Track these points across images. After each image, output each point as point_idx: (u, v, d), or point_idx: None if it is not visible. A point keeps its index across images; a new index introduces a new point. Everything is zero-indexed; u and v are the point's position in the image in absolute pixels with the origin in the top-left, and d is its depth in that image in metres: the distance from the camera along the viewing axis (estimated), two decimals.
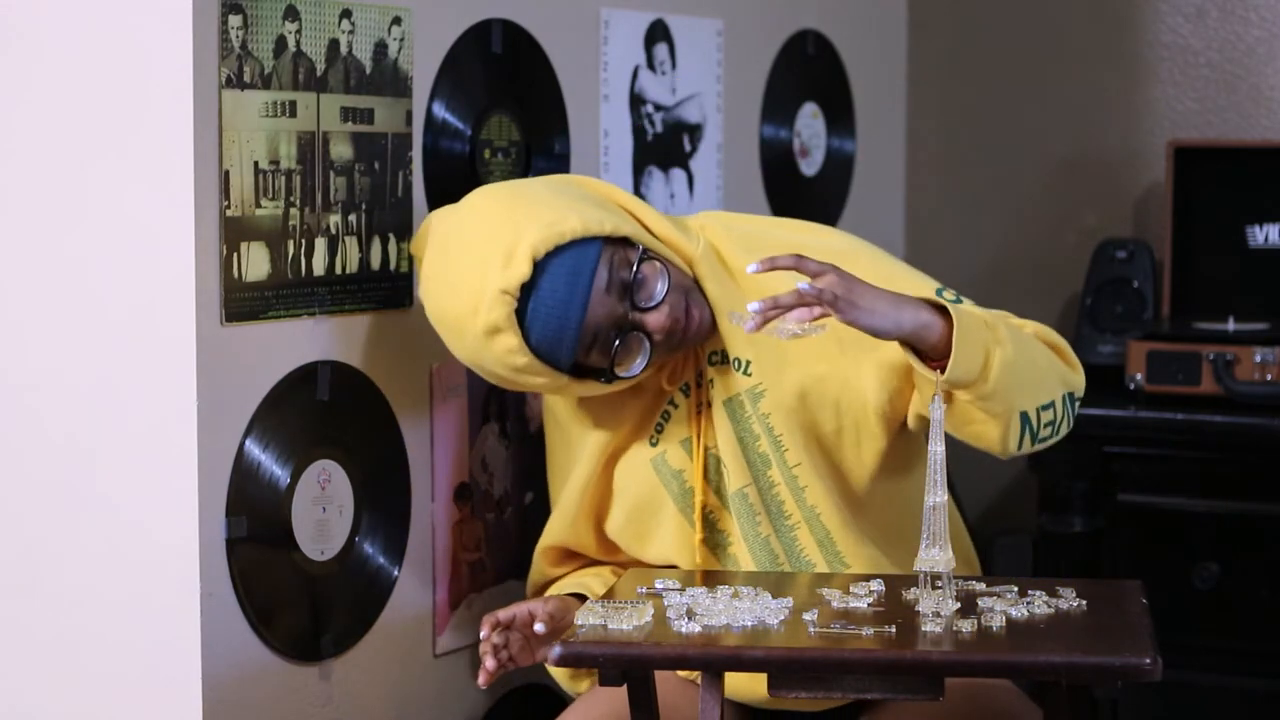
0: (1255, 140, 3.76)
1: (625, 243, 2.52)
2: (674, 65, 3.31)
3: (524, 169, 2.99)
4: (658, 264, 2.52)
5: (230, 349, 2.47)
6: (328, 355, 2.63)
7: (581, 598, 2.64)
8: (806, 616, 2.28)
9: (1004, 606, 2.31)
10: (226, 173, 2.45)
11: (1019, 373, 2.40)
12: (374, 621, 2.72)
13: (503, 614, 2.55)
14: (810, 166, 3.73)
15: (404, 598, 2.77)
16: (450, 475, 2.85)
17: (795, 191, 3.68)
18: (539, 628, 2.54)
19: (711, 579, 2.49)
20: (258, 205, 2.50)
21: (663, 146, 3.28)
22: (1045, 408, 2.45)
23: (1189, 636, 3.32)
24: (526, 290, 2.46)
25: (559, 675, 2.72)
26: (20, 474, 2.56)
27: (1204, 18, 3.82)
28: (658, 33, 3.28)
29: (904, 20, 4.06)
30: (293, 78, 2.54)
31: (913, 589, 2.38)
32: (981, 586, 2.42)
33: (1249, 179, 3.67)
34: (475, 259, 2.47)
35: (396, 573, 2.75)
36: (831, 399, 2.55)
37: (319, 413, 2.62)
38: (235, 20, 2.45)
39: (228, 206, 2.45)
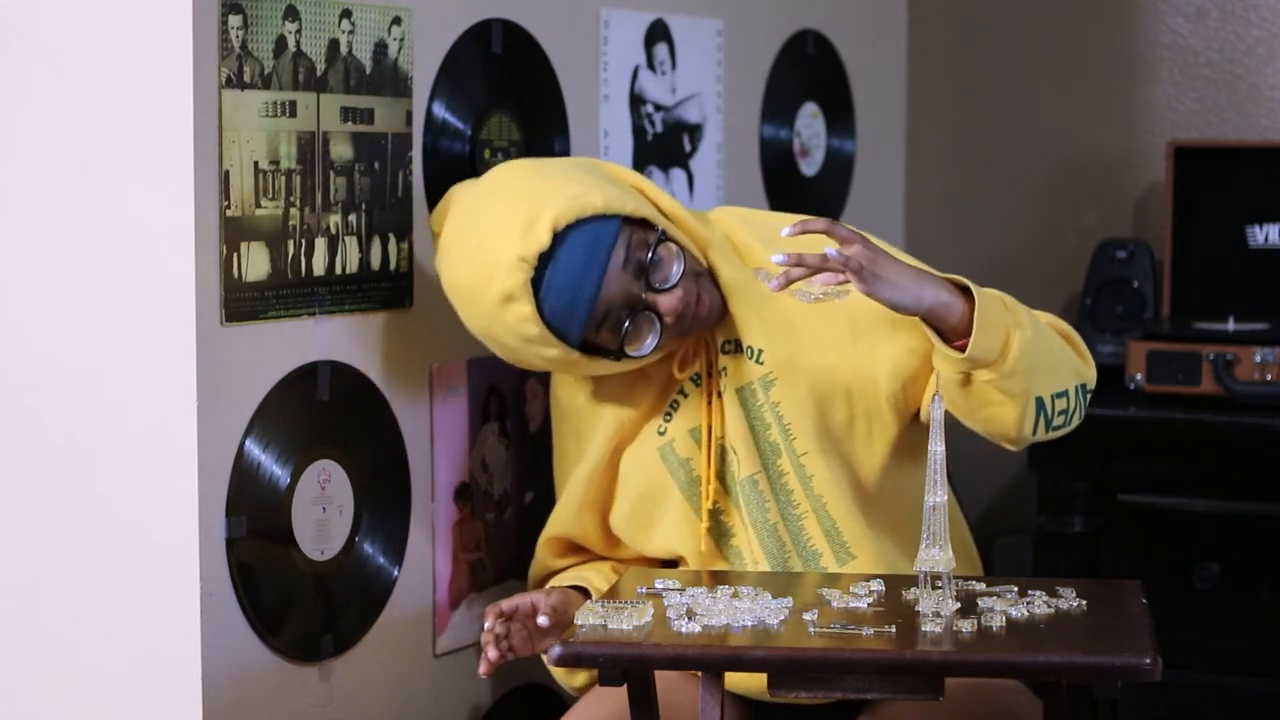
0: (1255, 140, 3.76)
1: (644, 224, 2.54)
2: (674, 65, 3.31)
3: None
4: (674, 247, 2.54)
5: (230, 349, 2.47)
6: (328, 355, 2.63)
7: (584, 592, 2.64)
8: (807, 616, 2.28)
9: (1004, 606, 2.31)
10: (226, 173, 2.45)
11: (1037, 356, 2.41)
12: (374, 621, 2.72)
13: (505, 604, 2.55)
14: (810, 166, 3.74)
15: (404, 598, 2.77)
16: (450, 475, 2.85)
17: (795, 191, 3.68)
18: (542, 620, 2.54)
19: (712, 579, 2.49)
20: (258, 205, 2.50)
21: (663, 146, 3.28)
22: (1060, 395, 2.46)
23: (1189, 636, 3.32)
24: (544, 260, 2.47)
25: (557, 672, 2.72)
26: (20, 474, 2.56)
27: (1204, 18, 3.82)
28: (658, 33, 3.28)
29: (904, 20, 4.06)
30: (293, 78, 2.54)
31: (913, 589, 2.38)
32: (981, 586, 2.42)
33: (1249, 179, 3.67)
34: (495, 226, 2.49)
35: (396, 573, 2.75)
36: (843, 387, 2.56)
37: (319, 413, 2.62)
38: (235, 20, 2.45)
39: (228, 206, 2.45)
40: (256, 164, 2.49)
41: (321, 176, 2.59)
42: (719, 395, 2.61)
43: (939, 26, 4.05)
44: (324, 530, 2.63)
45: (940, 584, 2.31)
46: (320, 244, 2.60)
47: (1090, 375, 2.54)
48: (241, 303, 2.48)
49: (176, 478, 2.44)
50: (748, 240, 2.62)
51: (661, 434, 2.64)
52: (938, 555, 2.30)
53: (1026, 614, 2.30)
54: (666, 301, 2.52)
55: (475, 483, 2.90)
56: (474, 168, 2.88)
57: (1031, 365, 2.40)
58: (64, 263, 2.51)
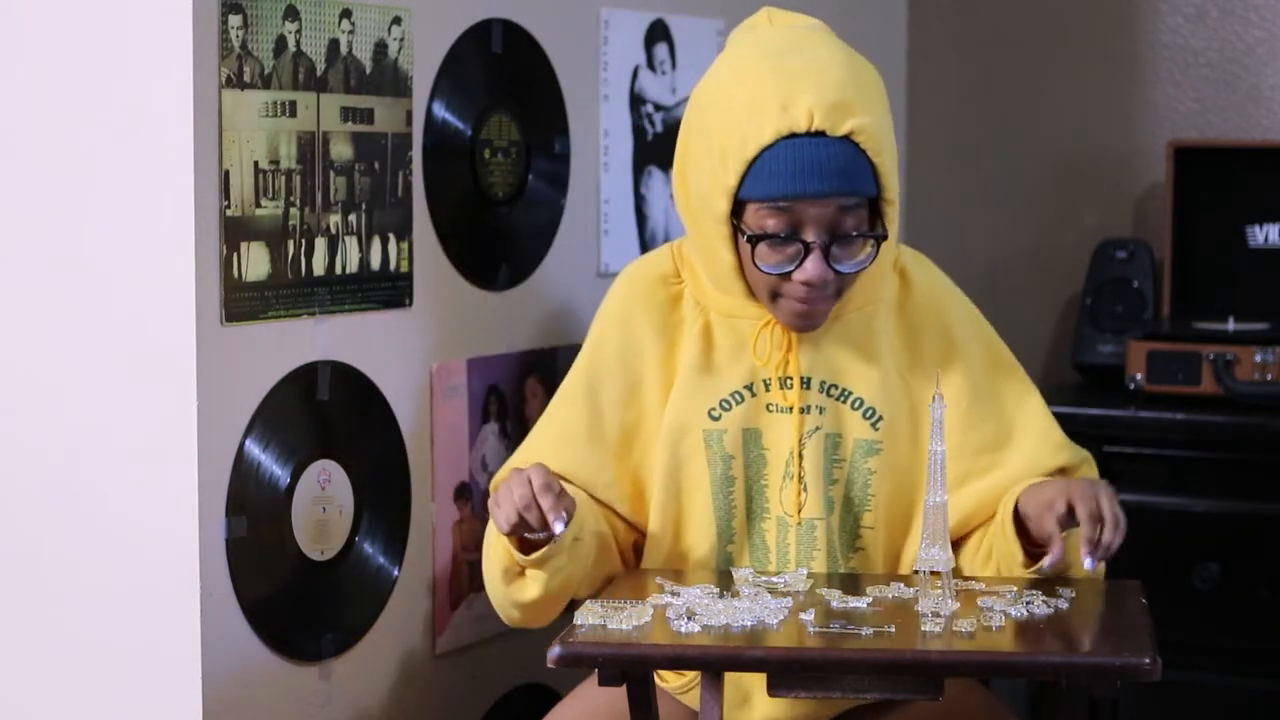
0: (1255, 140, 3.76)
1: (877, 212, 2.50)
2: (674, 65, 3.31)
3: (524, 169, 2.99)
4: (870, 250, 2.49)
5: (230, 349, 2.47)
6: (328, 355, 2.63)
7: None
8: (806, 616, 2.28)
9: (1004, 606, 2.31)
10: (226, 173, 2.45)
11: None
12: (374, 621, 2.72)
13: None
14: None
15: (404, 598, 2.77)
16: (450, 475, 2.85)
17: None
18: (558, 528, 2.40)
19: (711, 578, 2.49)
20: (258, 205, 2.50)
21: (663, 146, 3.28)
22: None
23: (1189, 636, 3.32)
24: (818, 135, 2.44)
25: (505, 589, 2.54)
26: (20, 473, 2.56)
27: (1204, 18, 3.82)
28: (658, 33, 3.28)
29: (904, 20, 4.06)
30: (293, 78, 2.54)
31: (913, 589, 2.38)
32: (981, 586, 2.43)
33: (1249, 179, 3.67)
34: (824, 75, 2.45)
35: (396, 573, 2.75)
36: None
37: (319, 413, 2.62)
38: (235, 20, 2.45)
39: (228, 206, 2.45)
40: (256, 164, 2.49)
41: (321, 176, 2.59)
42: (806, 428, 2.57)
43: (939, 26, 4.05)
44: (324, 530, 2.63)
45: (940, 584, 2.31)
46: (320, 244, 2.60)
47: None
48: (241, 303, 2.48)
49: (176, 478, 2.44)
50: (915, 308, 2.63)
51: (715, 419, 2.58)
52: (938, 555, 2.30)
53: (1026, 614, 2.31)
54: (815, 268, 2.45)
55: (475, 483, 2.90)
56: (474, 168, 2.88)
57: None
58: (64, 262, 2.51)
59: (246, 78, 2.47)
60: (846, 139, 2.43)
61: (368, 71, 2.66)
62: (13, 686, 2.58)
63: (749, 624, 2.27)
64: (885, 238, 2.49)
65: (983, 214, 4.03)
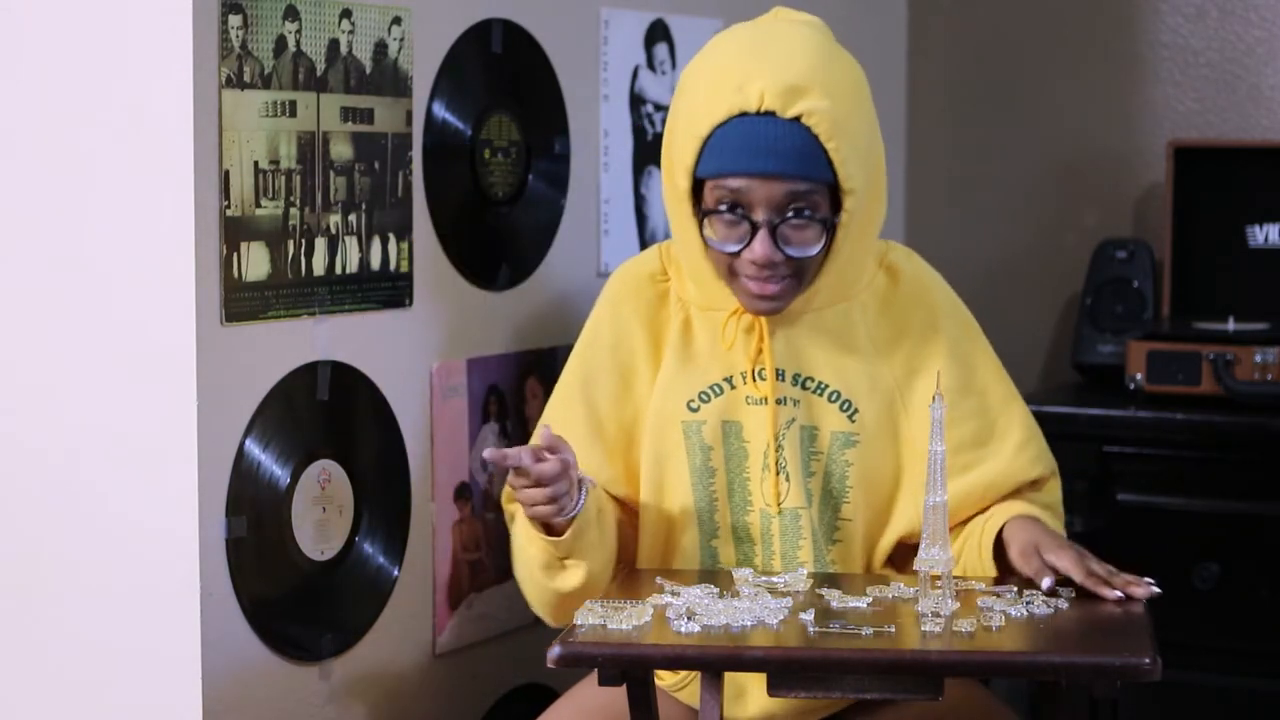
0: (1255, 140, 3.76)
1: (837, 197, 2.50)
2: (674, 65, 3.31)
3: (524, 169, 2.99)
4: (822, 240, 2.50)
5: (230, 349, 2.47)
6: (328, 355, 2.63)
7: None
8: (805, 616, 2.28)
9: (1003, 606, 2.31)
10: (226, 173, 2.45)
11: None
12: (374, 621, 2.72)
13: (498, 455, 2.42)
14: None
15: (404, 598, 2.77)
16: (450, 475, 2.85)
17: None
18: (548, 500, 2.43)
19: (714, 578, 2.49)
20: (258, 205, 2.50)
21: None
22: None
23: (1189, 636, 3.32)
24: (768, 115, 2.45)
25: (544, 577, 2.55)
26: (20, 473, 2.56)
27: (1204, 18, 3.82)
28: (658, 33, 3.28)
29: (904, 20, 4.06)
30: (293, 78, 2.54)
31: (912, 589, 2.38)
32: (981, 586, 2.43)
33: (1249, 179, 3.67)
34: (786, 60, 2.47)
35: (396, 573, 2.75)
36: (919, 482, 2.57)
37: (319, 413, 2.62)
38: (235, 20, 2.45)
39: (228, 206, 2.45)
40: (256, 164, 2.49)
41: (321, 176, 2.59)
42: (783, 419, 2.58)
43: (939, 27, 4.05)
44: (324, 530, 2.63)
45: (940, 584, 2.31)
46: (320, 244, 2.60)
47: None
48: (241, 303, 2.48)
49: (176, 478, 2.44)
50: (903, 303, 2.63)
51: (694, 410, 2.60)
52: (938, 555, 2.30)
53: (1026, 614, 2.31)
54: (762, 249, 2.46)
55: (475, 483, 2.90)
56: (474, 168, 2.88)
57: None
58: (64, 262, 2.51)
59: (246, 78, 2.47)
60: (797, 121, 2.44)
61: (368, 71, 2.66)
62: (13, 686, 2.58)
63: (749, 624, 2.27)
64: (834, 224, 2.50)
65: (983, 214, 4.03)
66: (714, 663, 2.22)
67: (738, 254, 2.50)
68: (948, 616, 2.27)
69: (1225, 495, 3.36)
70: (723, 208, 2.48)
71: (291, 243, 2.55)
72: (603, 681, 2.25)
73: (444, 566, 2.84)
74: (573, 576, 2.52)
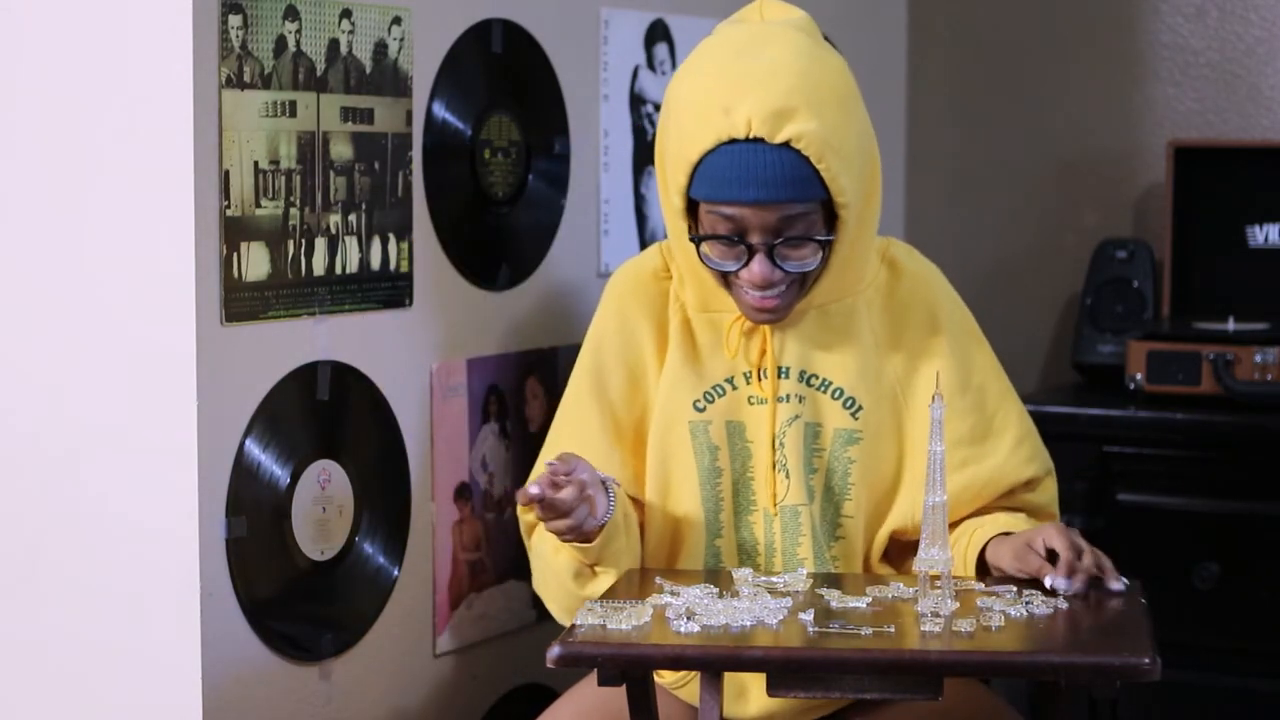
0: (1255, 140, 3.76)
1: (832, 210, 2.50)
2: (674, 65, 3.31)
3: (524, 169, 2.99)
4: (819, 254, 2.50)
5: (230, 349, 2.47)
6: (328, 355, 2.63)
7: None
8: (805, 616, 2.28)
9: (1003, 606, 2.31)
10: (226, 173, 2.45)
11: None
12: (374, 621, 2.72)
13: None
14: None
15: (404, 598, 2.77)
16: (450, 475, 2.85)
17: None
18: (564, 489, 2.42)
19: (715, 578, 2.49)
20: (258, 205, 2.50)
21: None
22: None
23: (1189, 636, 3.32)
24: (757, 141, 2.44)
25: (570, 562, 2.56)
26: (20, 474, 2.56)
27: (1204, 18, 3.82)
28: (658, 33, 3.28)
29: (904, 20, 4.06)
30: (293, 78, 2.54)
31: (912, 589, 2.38)
32: (981, 586, 2.43)
33: (1249, 179, 3.67)
34: (770, 80, 2.45)
35: (396, 573, 2.75)
36: (916, 478, 2.58)
37: (319, 413, 2.62)
38: (235, 20, 2.45)
39: (228, 206, 2.45)
40: (256, 164, 2.49)
41: (321, 176, 2.60)
42: (783, 417, 2.58)
43: (939, 26, 4.05)
44: (324, 530, 2.63)
45: (940, 584, 2.31)
46: (320, 244, 2.60)
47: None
48: (241, 303, 2.48)
49: (176, 478, 2.44)
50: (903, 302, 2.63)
51: (700, 410, 2.60)
52: (937, 555, 2.30)
53: (1025, 614, 2.31)
54: (760, 270, 2.47)
55: (475, 483, 2.90)
56: (474, 168, 2.88)
57: None
58: (64, 263, 2.51)
59: (246, 78, 2.47)
60: (787, 145, 2.44)
61: (368, 71, 2.66)
62: (13, 686, 2.58)
63: (749, 624, 2.27)
64: (830, 242, 2.50)
65: (983, 214, 4.03)
66: (714, 663, 2.22)
67: (735, 272, 2.50)
68: (948, 616, 2.27)
69: (1225, 495, 3.36)
70: (721, 232, 2.48)
71: (291, 243, 2.55)
72: (602, 682, 2.25)
73: (444, 566, 2.84)
74: (603, 582, 2.53)
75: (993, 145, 4.02)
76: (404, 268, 2.74)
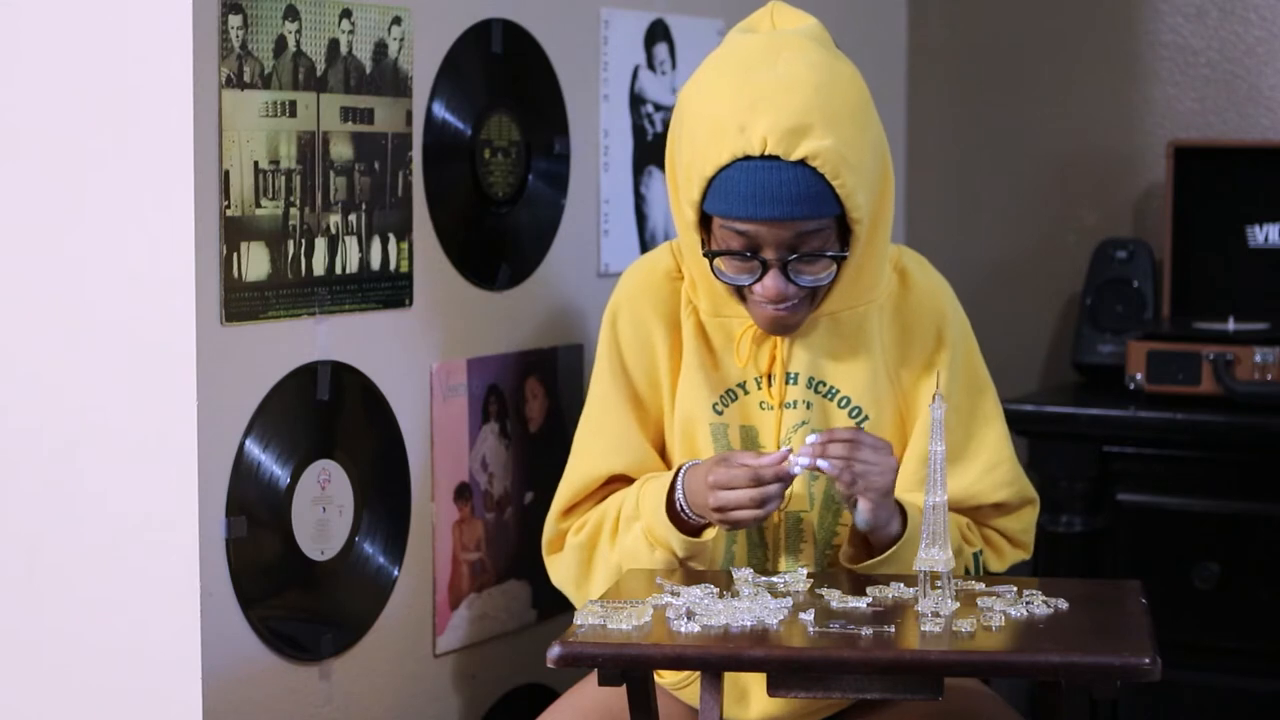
0: (1255, 140, 3.76)
1: (845, 226, 2.49)
2: (674, 65, 3.31)
3: (524, 169, 2.99)
4: (833, 269, 2.50)
5: (230, 349, 2.47)
6: (328, 355, 2.63)
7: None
8: (805, 616, 2.28)
9: (1003, 606, 2.31)
10: (226, 173, 2.45)
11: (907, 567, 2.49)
12: (374, 621, 2.72)
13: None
14: None
15: (404, 598, 2.77)
16: (450, 475, 2.85)
17: None
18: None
19: (717, 579, 2.49)
20: (258, 205, 2.50)
21: (663, 146, 3.27)
22: None
23: (1189, 636, 3.32)
24: (772, 159, 2.43)
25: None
26: (20, 473, 2.56)
27: (1204, 18, 3.82)
28: (658, 33, 3.28)
29: (904, 20, 4.06)
30: (293, 78, 2.54)
31: (912, 589, 2.38)
32: (981, 586, 2.43)
33: (1249, 179, 3.67)
34: (785, 95, 2.43)
35: (396, 573, 2.75)
36: (906, 479, 2.58)
37: (319, 413, 2.62)
38: (235, 20, 2.45)
39: (228, 206, 2.45)
40: (256, 164, 2.49)
41: (321, 176, 2.60)
42: (789, 423, 2.58)
43: (939, 26, 4.05)
44: (324, 530, 2.63)
45: (940, 584, 2.31)
46: (320, 244, 2.60)
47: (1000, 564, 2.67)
48: (241, 303, 2.48)
49: (176, 478, 2.44)
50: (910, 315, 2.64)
51: (719, 412, 2.60)
52: (937, 555, 2.30)
53: (1026, 614, 2.31)
54: (774, 285, 2.48)
55: (475, 483, 2.90)
56: (474, 168, 2.88)
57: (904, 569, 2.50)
58: (64, 263, 2.51)
59: (246, 78, 2.47)
60: (802, 163, 2.43)
61: (368, 71, 2.66)
62: (13, 686, 2.58)
63: (749, 624, 2.27)
64: (845, 258, 2.50)
65: (983, 214, 4.03)
66: (714, 663, 2.22)
67: (749, 286, 2.50)
68: (948, 616, 2.27)
69: (1225, 495, 3.36)
70: (735, 248, 2.48)
71: (291, 243, 2.55)
72: (603, 682, 2.25)
73: (444, 566, 2.84)
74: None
75: (993, 145, 4.02)
76: (404, 268, 2.74)
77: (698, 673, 2.39)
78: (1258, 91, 3.78)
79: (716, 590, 2.39)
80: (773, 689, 2.24)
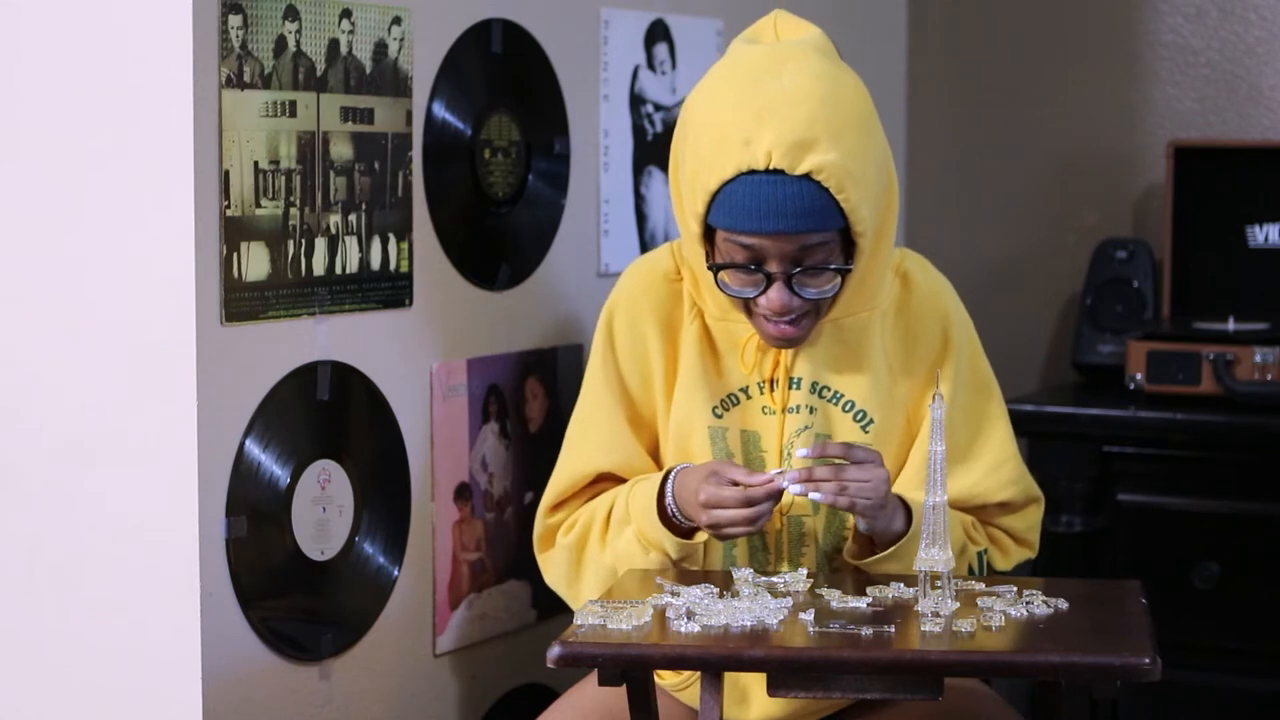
0: (1255, 140, 3.76)
1: (849, 238, 2.49)
2: (674, 65, 3.31)
3: (524, 169, 2.99)
4: (837, 281, 2.50)
5: (230, 349, 2.47)
6: (328, 355, 2.63)
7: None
8: (805, 616, 2.28)
9: (1003, 606, 2.31)
10: (226, 173, 2.45)
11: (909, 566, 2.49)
12: (374, 621, 2.72)
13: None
14: None
15: (404, 598, 2.77)
16: (450, 475, 2.85)
17: None
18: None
19: (717, 579, 2.49)
20: (258, 205, 2.50)
21: (663, 146, 3.28)
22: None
23: (1189, 636, 3.32)
24: (777, 173, 2.43)
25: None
26: (20, 474, 2.56)
27: (1204, 18, 3.82)
28: (658, 33, 3.28)
29: (904, 20, 4.06)
30: (293, 78, 2.54)
31: (912, 589, 2.38)
32: (981, 586, 2.43)
33: (1249, 179, 3.67)
34: (790, 109, 2.43)
35: (396, 573, 2.75)
36: (908, 479, 2.59)
37: (319, 413, 2.62)
38: (235, 20, 2.45)
39: (228, 206, 2.45)
40: (256, 164, 2.49)
41: (321, 176, 2.60)
42: (792, 428, 2.59)
43: (939, 26, 4.05)
44: (324, 530, 2.63)
45: (940, 584, 2.31)
46: (320, 244, 2.60)
47: (1006, 563, 2.67)
48: (241, 303, 2.48)
49: (176, 478, 2.44)
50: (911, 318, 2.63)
51: (718, 416, 2.60)
52: (937, 555, 2.30)
53: (1026, 614, 2.31)
54: (778, 297, 2.48)
55: (475, 483, 2.90)
56: (474, 168, 2.88)
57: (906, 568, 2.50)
58: (64, 263, 2.51)
59: (246, 78, 2.47)
60: (807, 177, 2.42)
61: (368, 71, 2.66)
62: (13, 686, 2.58)
63: (749, 624, 2.27)
64: (849, 272, 2.50)
65: (983, 214, 4.03)
66: (714, 663, 2.22)
67: (754, 299, 2.50)
68: (948, 616, 2.27)
69: (1225, 495, 3.36)
70: (739, 261, 2.48)
71: (291, 243, 2.55)
72: (603, 682, 2.25)
73: (444, 566, 2.84)
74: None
75: (993, 146, 4.02)
76: (404, 268, 2.74)
77: (698, 674, 2.39)
78: (1258, 91, 3.78)
79: (716, 590, 2.39)
80: (773, 689, 2.24)
